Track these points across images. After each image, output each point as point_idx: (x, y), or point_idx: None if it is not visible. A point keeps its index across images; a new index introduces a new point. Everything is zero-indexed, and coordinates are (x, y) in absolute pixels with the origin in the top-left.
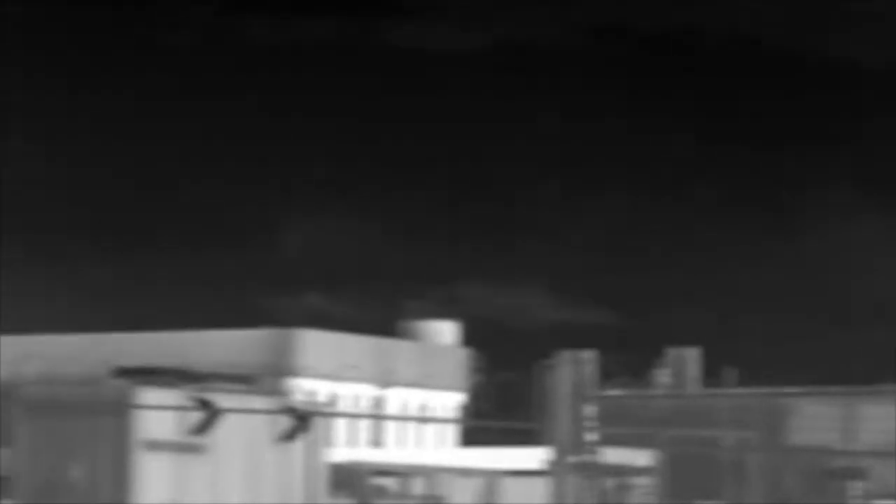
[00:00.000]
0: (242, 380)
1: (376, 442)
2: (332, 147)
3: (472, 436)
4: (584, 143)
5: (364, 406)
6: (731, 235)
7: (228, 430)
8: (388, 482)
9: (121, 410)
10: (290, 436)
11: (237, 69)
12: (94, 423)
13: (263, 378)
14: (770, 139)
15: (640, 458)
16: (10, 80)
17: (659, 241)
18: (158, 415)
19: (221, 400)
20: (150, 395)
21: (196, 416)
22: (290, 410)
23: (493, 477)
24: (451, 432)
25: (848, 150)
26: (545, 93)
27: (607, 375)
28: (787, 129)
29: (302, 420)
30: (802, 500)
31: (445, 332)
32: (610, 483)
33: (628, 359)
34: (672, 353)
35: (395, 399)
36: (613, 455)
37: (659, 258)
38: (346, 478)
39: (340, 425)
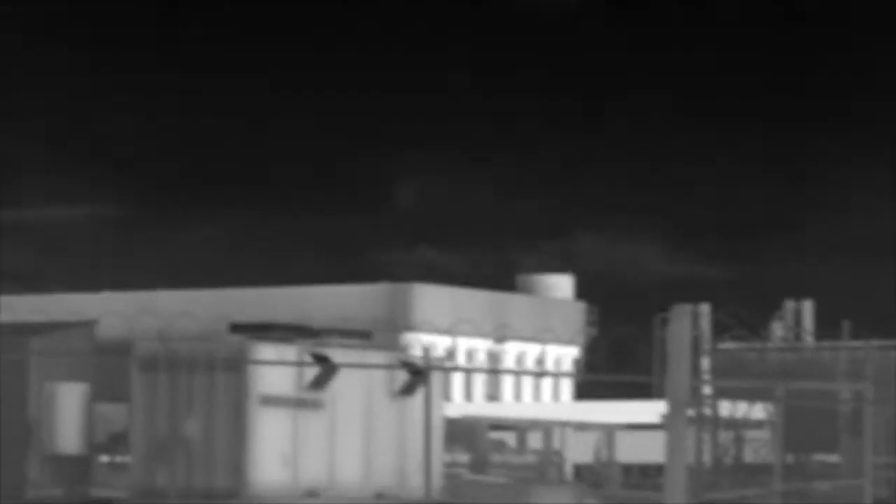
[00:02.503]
0: (359, 335)
1: (493, 396)
2: (445, 101)
3: (588, 390)
4: (698, 101)
5: (480, 360)
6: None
7: (345, 385)
8: (505, 436)
9: (237, 366)
10: (407, 390)
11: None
12: (210, 379)
13: (380, 333)
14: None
15: (756, 411)
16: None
17: (774, 194)
18: (275, 370)
19: (338, 355)
20: (267, 350)
21: (313, 372)
22: (407, 365)
23: (609, 431)
24: (567, 386)
25: None
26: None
27: (723, 329)
28: None
29: (419, 375)
30: None
31: (560, 285)
32: (726, 436)
33: (743, 312)
34: (788, 305)
35: (511, 353)
36: (729, 408)
37: (776, 211)
38: (463, 432)
39: (457, 380)
